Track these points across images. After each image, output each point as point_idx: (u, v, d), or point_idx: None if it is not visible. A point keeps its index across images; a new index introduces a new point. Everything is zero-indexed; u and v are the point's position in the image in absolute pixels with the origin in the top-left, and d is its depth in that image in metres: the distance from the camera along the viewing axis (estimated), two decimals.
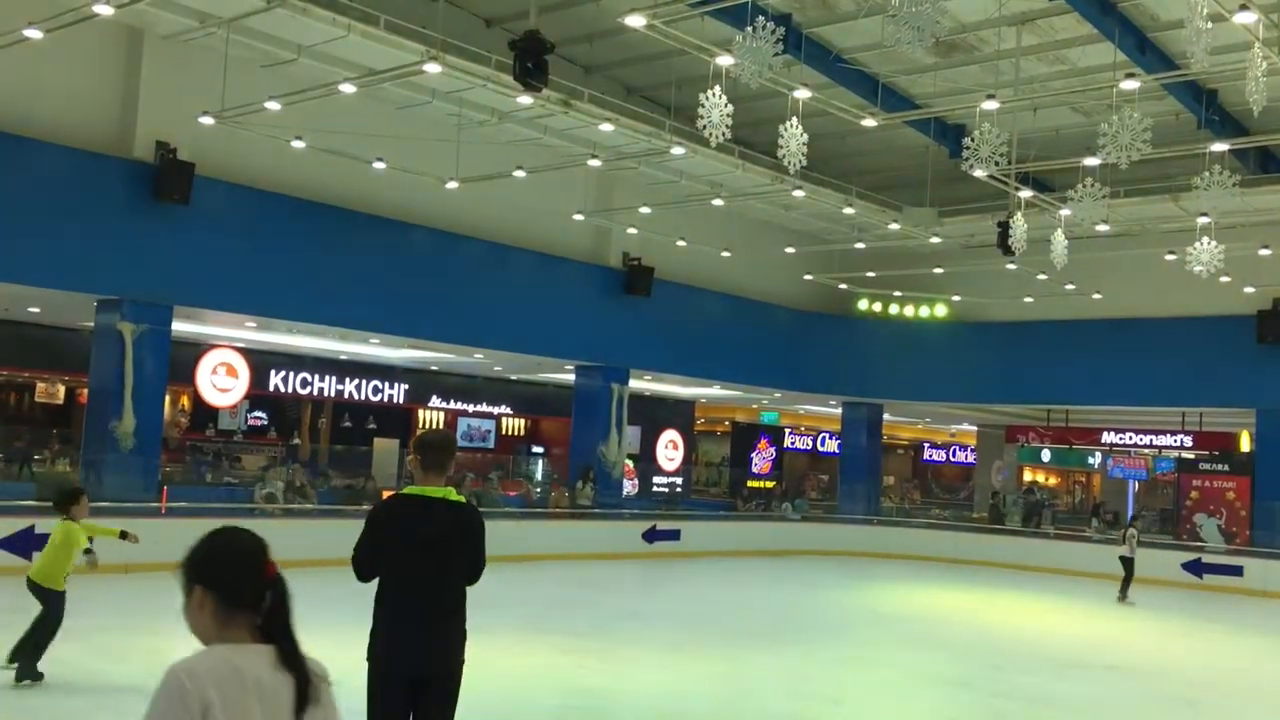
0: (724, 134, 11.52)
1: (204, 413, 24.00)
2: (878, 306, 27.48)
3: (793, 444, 38.78)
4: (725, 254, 22.65)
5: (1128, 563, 19.27)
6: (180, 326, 17.99)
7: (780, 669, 11.38)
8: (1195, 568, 21.99)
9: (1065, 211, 17.36)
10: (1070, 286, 23.07)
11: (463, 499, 5.12)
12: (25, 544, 14.07)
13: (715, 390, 29.02)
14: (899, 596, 19.03)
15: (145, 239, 16.36)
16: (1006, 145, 13.88)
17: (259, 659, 2.47)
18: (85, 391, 19.06)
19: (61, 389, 23.49)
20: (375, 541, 5.02)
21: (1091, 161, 15.46)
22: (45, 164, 15.59)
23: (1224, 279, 19.67)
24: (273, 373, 24.66)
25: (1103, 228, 19.29)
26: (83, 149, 15.90)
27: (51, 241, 15.51)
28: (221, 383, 21.48)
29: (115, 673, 9.23)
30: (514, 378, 28.80)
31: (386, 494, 21.47)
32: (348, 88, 15.25)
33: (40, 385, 23.31)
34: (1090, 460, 33.31)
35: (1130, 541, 19.40)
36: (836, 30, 18.05)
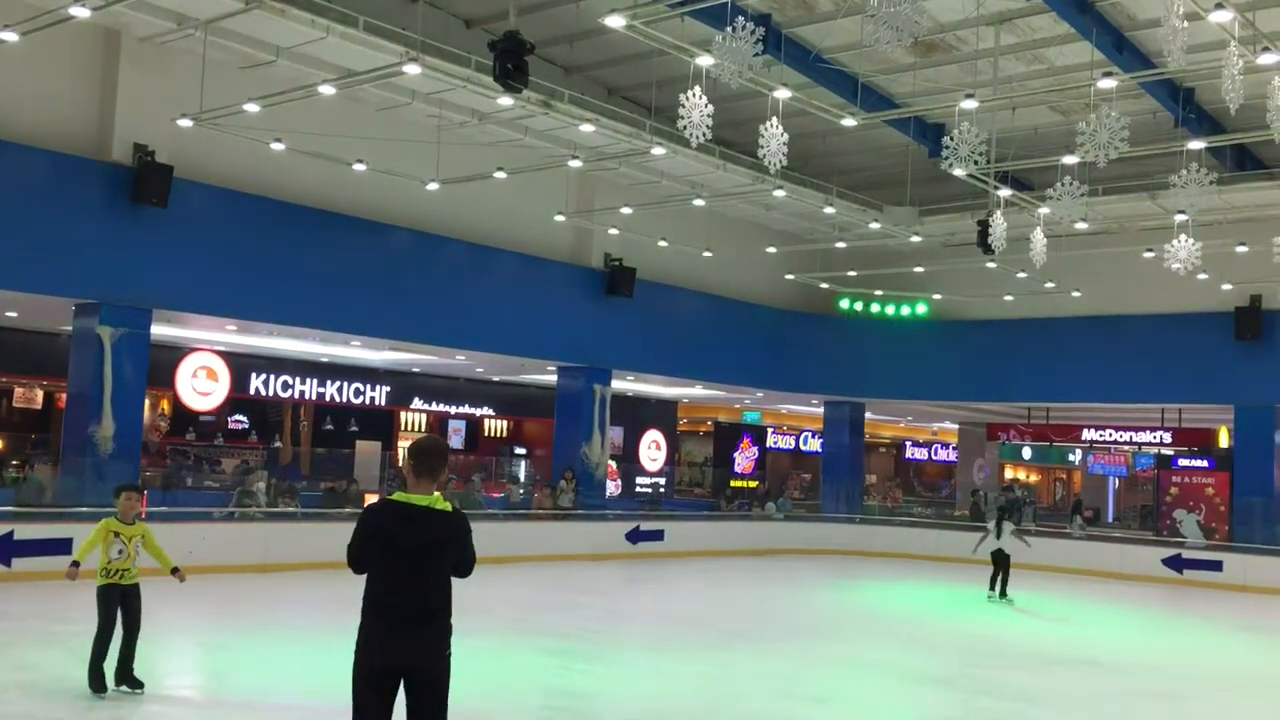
0: (704, 134, 11.54)
1: (184, 416, 23.87)
2: (859, 306, 27.56)
3: (775, 443, 38.84)
4: (707, 254, 22.66)
5: (1002, 557, 18.05)
6: (159, 330, 17.87)
7: (764, 668, 11.40)
8: (1175, 563, 22.12)
9: (1044, 210, 17.44)
10: (1050, 284, 23.18)
11: (449, 506, 5.21)
12: (4, 551, 13.98)
13: (697, 390, 29.04)
14: (882, 595, 19.08)
15: (123, 242, 16.26)
16: (985, 144, 13.92)
17: None
18: (64, 396, 18.91)
19: (40, 394, 23.32)
20: (362, 544, 5.18)
21: (1070, 160, 15.54)
22: (22, 167, 15.47)
23: (1202, 276, 19.79)
24: (253, 376, 24.54)
25: (1082, 226, 19.42)
26: (60, 152, 15.77)
27: (29, 245, 15.39)
28: (202, 386, 21.39)
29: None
30: (496, 379, 28.75)
31: (369, 497, 21.49)
32: (327, 89, 15.19)
33: (18, 390, 23.13)
34: (1071, 457, 33.52)
35: (1010, 536, 18.21)
36: (816, 30, 18.09)
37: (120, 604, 8.41)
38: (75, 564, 8.51)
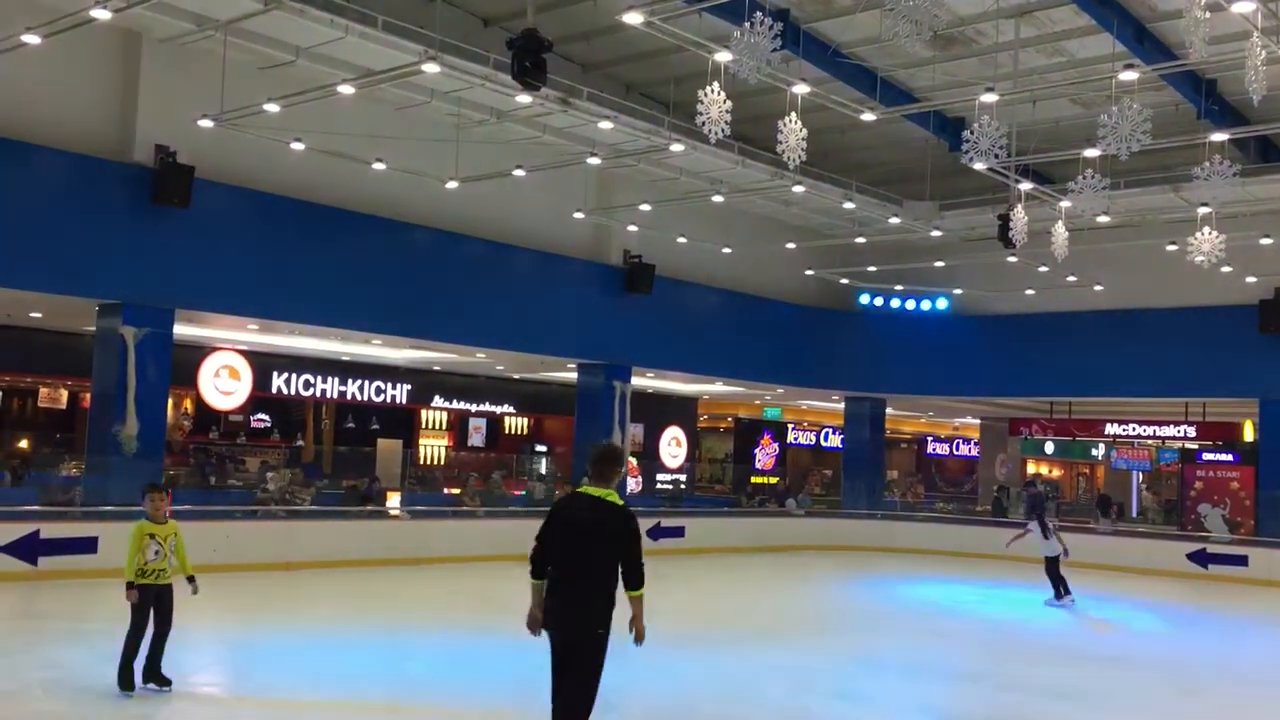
0: (723, 130, 11.51)
1: (207, 415, 24.03)
2: (879, 301, 27.48)
3: (796, 439, 38.80)
4: (726, 250, 22.63)
5: (1056, 562, 17.02)
6: (182, 330, 17.98)
7: (785, 664, 11.39)
8: (1200, 558, 21.95)
9: (1066, 203, 17.33)
10: (1071, 278, 23.04)
11: (618, 501, 6.24)
12: (30, 549, 14.10)
13: (718, 387, 29.03)
14: (903, 590, 19.03)
15: (146, 243, 16.36)
16: (1006, 138, 13.86)
17: None
18: (88, 396, 19.08)
19: (64, 394, 23.51)
20: (547, 524, 6.23)
21: (1091, 153, 15.43)
22: (45, 169, 15.59)
23: (1225, 269, 19.64)
24: (275, 374, 24.68)
25: (1103, 219, 19.30)
26: (82, 153, 15.88)
27: (52, 246, 15.51)
28: (224, 385, 21.55)
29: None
30: (516, 376, 28.82)
31: (392, 494, 21.70)
32: (346, 89, 15.25)
33: (43, 390, 23.33)
34: (1094, 452, 33.34)
35: (1055, 536, 17.20)
36: (834, 25, 18.03)
37: (153, 603, 8.45)
38: (130, 585, 8.41)
